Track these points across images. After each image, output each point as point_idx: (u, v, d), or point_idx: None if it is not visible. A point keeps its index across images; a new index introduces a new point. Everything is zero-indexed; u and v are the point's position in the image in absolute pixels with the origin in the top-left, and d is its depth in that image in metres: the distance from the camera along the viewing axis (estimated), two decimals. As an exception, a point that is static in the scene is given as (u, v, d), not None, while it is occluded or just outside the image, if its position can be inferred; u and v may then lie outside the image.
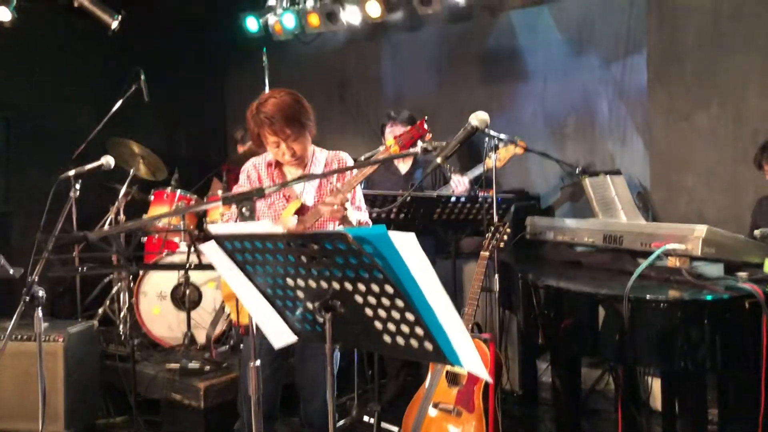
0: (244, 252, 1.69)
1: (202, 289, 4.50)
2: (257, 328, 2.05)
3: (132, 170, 4.74)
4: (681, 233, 2.88)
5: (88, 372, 3.94)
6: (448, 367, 3.31)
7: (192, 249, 4.41)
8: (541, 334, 3.31)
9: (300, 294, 1.72)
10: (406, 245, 1.41)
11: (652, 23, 4.50)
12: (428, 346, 1.56)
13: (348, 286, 1.58)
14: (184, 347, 4.26)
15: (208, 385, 3.80)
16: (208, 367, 3.96)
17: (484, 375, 1.57)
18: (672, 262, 2.91)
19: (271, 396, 2.85)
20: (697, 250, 2.79)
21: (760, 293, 2.58)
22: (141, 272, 4.49)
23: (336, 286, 1.61)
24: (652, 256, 2.84)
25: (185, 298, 4.37)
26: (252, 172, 2.91)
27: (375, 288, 1.53)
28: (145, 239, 4.93)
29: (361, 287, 1.56)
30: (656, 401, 3.71)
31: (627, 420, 3.44)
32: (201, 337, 4.43)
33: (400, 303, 1.52)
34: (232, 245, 1.70)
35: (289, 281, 1.70)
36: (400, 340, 1.62)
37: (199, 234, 4.76)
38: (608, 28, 4.69)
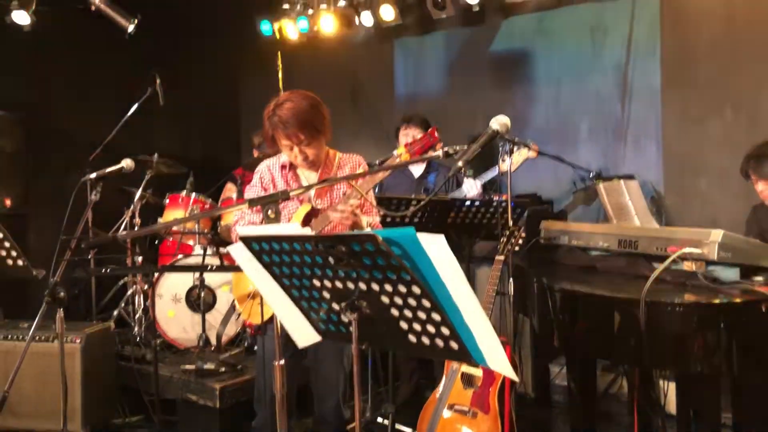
0: (272, 253, 1.72)
1: (216, 292, 4.54)
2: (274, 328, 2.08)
3: (148, 174, 4.77)
4: (697, 237, 2.88)
5: (104, 373, 3.99)
6: (464, 369, 3.33)
7: (209, 251, 4.47)
8: (557, 338, 3.31)
9: (326, 295, 1.75)
10: (435, 247, 1.43)
11: (665, 27, 4.51)
12: (454, 345, 1.59)
13: (375, 286, 1.60)
14: (199, 349, 4.30)
15: (223, 385, 3.83)
16: (223, 369, 4.00)
17: (510, 373, 1.59)
18: (688, 266, 2.92)
19: (287, 394, 2.87)
20: (712, 255, 2.80)
21: (776, 297, 2.59)
22: (156, 275, 4.53)
23: (362, 286, 1.63)
24: (668, 260, 2.84)
25: (200, 300, 4.41)
26: (265, 174, 2.93)
27: (402, 289, 1.55)
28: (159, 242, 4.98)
29: (388, 288, 1.58)
30: (671, 405, 3.71)
31: (642, 423, 3.45)
32: (215, 339, 4.46)
33: (426, 303, 1.54)
34: (259, 246, 1.73)
35: (316, 282, 1.73)
36: (425, 340, 1.64)
37: (213, 237, 4.82)
38: (621, 32, 4.70)
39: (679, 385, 3.39)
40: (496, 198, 3.87)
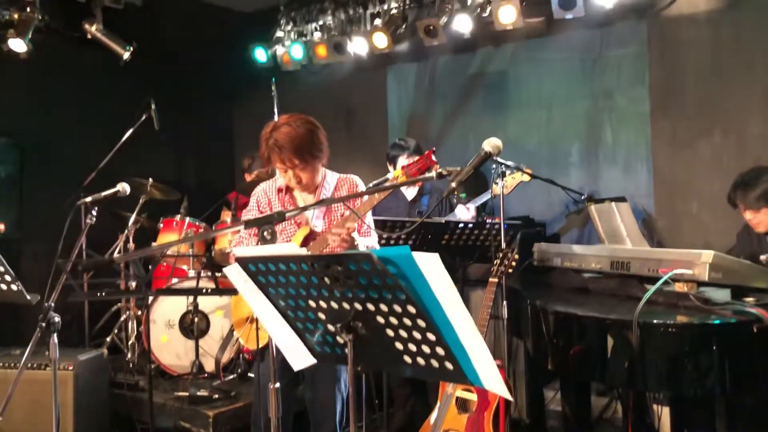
0: (268, 274, 1.73)
1: (210, 317, 4.53)
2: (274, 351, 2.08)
3: (142, 198, 4.77)
4: (688, 259, 2.91)
5: (97, 400, 3.95)
6: (458, 394, 3.32)
7: (203, 275, 4.46)
8: (551, 360, 3.32)
9: (321, 316, 1.76)
10: (430, 266, 1.45)
11: (653, 53, 4.59)
12: (449, 365, 1.59)
13: (370, 306, 1.62)
14: (193, 375, 4.28)
15: (217, 412, 3.82)
16: (216, 395, 3.98)
17: (505, 393, 1.60)
18: (679, 287, 2.94)
19: (283, 420, 2.86)
20: (704, 276, 2.82)
21: (768, 317, 2.61)
22: (150, 299, 4.52)
23: (358, 307, 1.64)
24: (660, 281, 2.87)
25: (193, 326, 4.40)
26: (262, 198, 2.95)
27: (397, 308, 1.56)
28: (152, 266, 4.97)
29: (384, 308, 1.59)
30: (665, 429, 3.70)
31: (637, 448, 3.44)
32: (209, 365, 4.45)
33: (421, 323, 1.55)
34: (255, 267, 1.74)
35: (311, 303, 1.74)
36: (420, 361, 1.65)
37: (207, 261, 4.80)
38: (611, 58, 4.78)
39: (673, 408, 3.39)
40: (489, 220, 3.90)
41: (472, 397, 3.28)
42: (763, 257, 3.01)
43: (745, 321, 2.64)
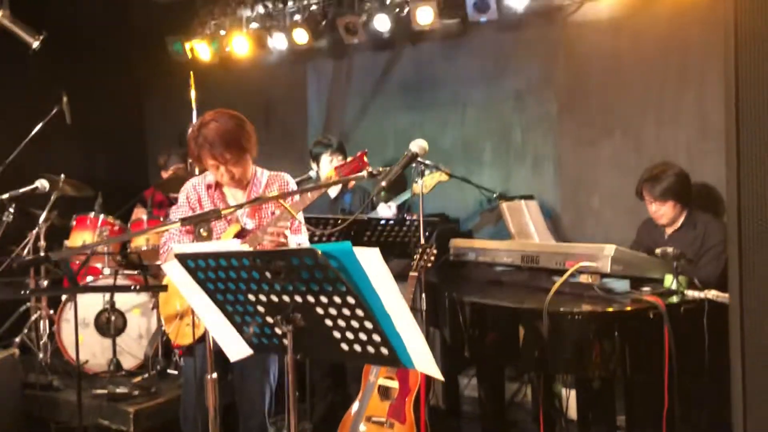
0: (207, 270, 1.78)
1: (126, 315, 4.46)
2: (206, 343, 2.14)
3: (54, 195, 4.60)
4: (592, 252, 3.16)
5: (9, 402, 3.83)
6: (380, 382, 3.46)
7: (121, 273, 4.39)
8: (467, 348, 3.51)
9: (260, 308, 1.83)
10: (369, 259, 1.56)
11: (560, 57, 4.86)
12: (384, 351, 1.71)
13: (310, 298, 1.71)
14: (110, 373, 4.22)
15: (137, 409, 3.78)
16: (137, 392, 3.94)
17: (436, 374, 1.73)
18: (584, 278, 3.19)
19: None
20: (606, 268, 3.08)
21: (662, 305, 2.89)
22: (63, 299, 4.41)
23: (298, 299, 1.73)
24: (567, 274, 3.10)
25: (110, 324, 4.32)
26: (192, 194, 2.95)
27: (337, 299, 1.66)
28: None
29: (324, 299, 1.69)
30: (572, 410, 3.97)
31: (546, 429, 3.68)
32: (127, 363, 4.39)
33: (360, 312, 1.66)
34: (195, 263, 1.79)
35: (251, 297, 1.80)
36: (357, 347, 1.76)
37: (122, 260, 4.72)
38: (522, 61, 5.01)
39: (579, 390, 3.66)
40: (408, 217, 4.05)
41: (394, 384, 3.42)
42: (658, 250, 3.30)
43: (642, 308, 2.91)
